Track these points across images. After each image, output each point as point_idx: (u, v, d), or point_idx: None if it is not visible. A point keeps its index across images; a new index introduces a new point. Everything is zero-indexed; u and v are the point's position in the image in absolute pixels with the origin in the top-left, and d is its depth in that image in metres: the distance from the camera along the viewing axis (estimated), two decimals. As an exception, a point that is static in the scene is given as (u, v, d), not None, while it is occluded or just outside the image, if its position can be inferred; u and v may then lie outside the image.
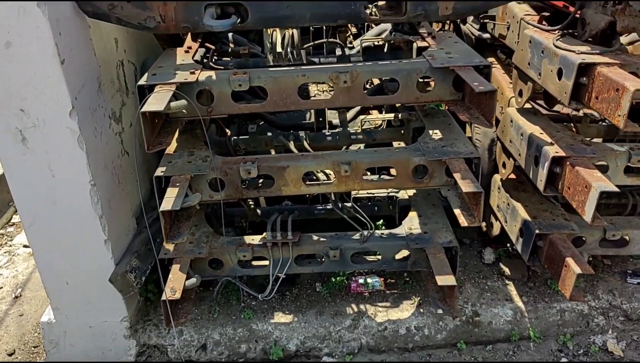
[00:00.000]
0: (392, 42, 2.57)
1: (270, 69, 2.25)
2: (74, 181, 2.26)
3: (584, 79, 2.06)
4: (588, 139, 2.44)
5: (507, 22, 2.84)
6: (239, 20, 2.16)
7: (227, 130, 2.81)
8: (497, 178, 2.90)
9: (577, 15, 2.30)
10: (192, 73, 2.20)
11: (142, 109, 1.90)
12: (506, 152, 2.77)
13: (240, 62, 2.60)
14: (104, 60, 2.54)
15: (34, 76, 2.04)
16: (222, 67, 2.49)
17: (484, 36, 3.20)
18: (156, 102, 1.95)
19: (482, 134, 2.91)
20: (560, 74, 2.15)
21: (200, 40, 2.66)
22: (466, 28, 3.33)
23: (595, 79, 2.00)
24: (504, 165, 2.84)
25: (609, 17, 2.13)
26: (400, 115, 2.76)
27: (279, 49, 2.53)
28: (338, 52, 2.62)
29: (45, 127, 2.14)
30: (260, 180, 2.41)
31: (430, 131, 2.47)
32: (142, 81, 2.12)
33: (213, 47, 2.63)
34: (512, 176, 2.89)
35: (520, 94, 2.63)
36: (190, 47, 2.57)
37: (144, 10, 2.17)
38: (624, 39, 2.49)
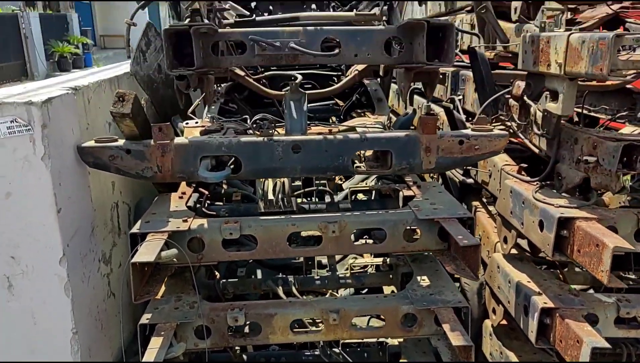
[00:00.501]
0: (379, 190, 2.68)
1: (261, 217, 2.31)
2: (55, 329, 2.21)
3: (565, 232, 2.12)
4: (575, 287, 2.46)
5: (489, 170, 2.99)
6: (232, 171, 2.27)
7: (217, 272, 2.81)
8: (488, 323, 2.86)
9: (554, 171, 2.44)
10: (185, 221, 2.25)
11: (133, 260, 1.92)
12: (495, 297, 2.76)
13: (232, 208, 2.68)
14: (100, 203, 2.61)
15: (29, 225, 2.09)
16: (215, 213, 2.56)
17: (468, 181, 3.34)
18: (147, 252, 1.98)
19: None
20: (541, 225, 2.23)
21: (194, 185, 2.76)
22: (450, 173, 3.49)
23: (575, 233, 2.07)
24: (494, 311, 2.82)
25: (583, 173, 2.25)
26: (388, 260, 2.80)
27: (270, 196, 2.61)
28: (327, 199, 2.71)
29: (33, 274, 2.14)
30: (247, 327, 2.37)
31: (419, 277, 2.48)
32: (135, 229, 2.17)
33: (206, 192, 2.72)
34: (504, 321, 2.86)
35: (505, 240, 2.69)
36: (184, 193, 2.66)
37: (143, 161, 2.28)
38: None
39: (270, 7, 4.43)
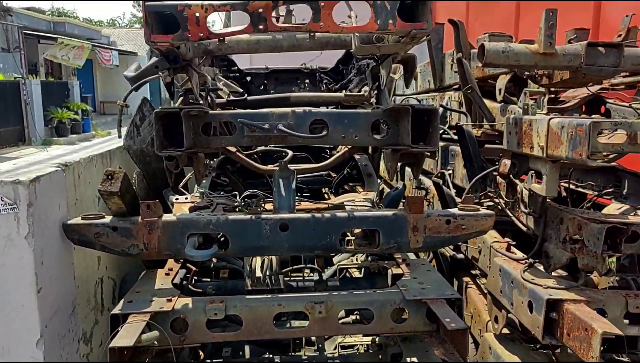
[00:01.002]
0: (368, 267, 2.66)
1: (247, 297, 2.28)
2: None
3: (554, 314, 2.10)
4: (568, 370, 2.40)
5: (478, 246, 2.98)
6: (219, 249, 2.25)
7: (201, 352, 2.73)
8: (481, 407, 2.77)
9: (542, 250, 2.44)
10: (169, 300, 2.21)
11: (111, 344, 1.87)
12: (488, 380, 2.68)
13: (220, 285, 2.64)
14: (84, 279, 2.57)
15: (7, 305, 2.04)
16: (201, 291, 2.52)
17: (458, 256, 3.33)
18: (127, 335, 1.93)
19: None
20: (530, 307, 2.20)
21: (181, 261, 2.74)
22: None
23: (564, 315, 2.04)
24: (487, 394, 2.73)
25: (569, 254, 2.25)
26: (377, 339, 2.73)
27: (258, 272, 2.59)
28: (316, 276, 2.69)
29: (8, 357, 2.07)
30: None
31: (409, 359, 2.42)
32: (117, 310, 2.13)
33: (194, 268, 2.69)
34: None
35: (496, 320, 2.65)
36: (171, 269, 2.63)
37: (129, 238, 2.27)
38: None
39: (265, 82, 4.57)
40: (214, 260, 3.04)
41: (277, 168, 2.43)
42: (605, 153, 2.52)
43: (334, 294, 2.27)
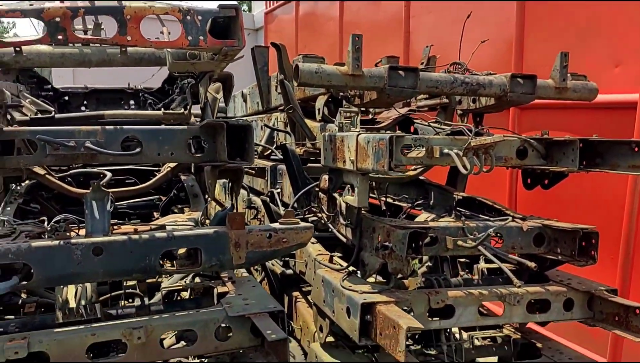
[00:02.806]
0: (192, 288, 2.60)
1: (55, 330, 2.08)
2: None
3: (369, 317, 2.25)
4: (386, 369, 2.58)
5: (305, 260, 3.09)
6: (21, 280, 2.03)
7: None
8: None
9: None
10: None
11: None
12: (316, 388, 2.77)
13: (25, 321, 2.37)
14: None
15: None
16: (1, 330, 2.24)
17: (287, 272, 3.42)
18: None
19: (293, 369, 2.92)
20: (348, 312, 2.33)
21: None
22: (270, 264, 3.54)
23: (377, 316, 2.20)
24: (316, 402, 2.82)
25: (381, 259, 2.44)
26: (205, 360, 2.67)
27: (71, 304, 2.38)
28: (137, 302, 2.55)
29: None
30: None
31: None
32: None
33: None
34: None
35: (322, 329, 2.76)
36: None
37: None
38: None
39: (85, 102, 4.29)
40: (24, 295, 2.75)
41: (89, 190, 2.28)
42: (411, 167, 2.81)
43: (154, 318, 2.17)
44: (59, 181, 2.70)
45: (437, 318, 2.45)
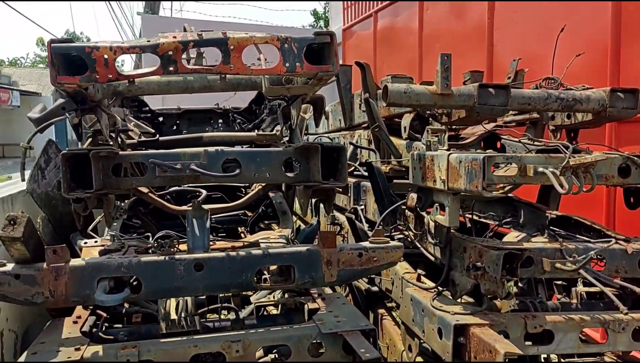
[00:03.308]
0: (284, 304, 2.67)
1: (162, 340, 2.21)
2: None
3: (462, 339, 2.22)
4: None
5: (391, 278, 3.10)
6: (132, 293, 2.19)
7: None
8: None
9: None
10: (77, 350, 2.10)
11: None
12: (405, 408, 2.76)
13: (132, 330, 2.54)
14: (-19, 334, 2.39)
15: None
16: (113, 338, 2.41)
17: (373, 289, 3.43)
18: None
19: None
20: (440, 333, 2.31)
21: (91, 307, 2.62)
22: (356, 282, 3.57)
23: (471, 339, 2.16)
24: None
25: (473, 280, 2.40)
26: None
27: (173, 315, 2.53)
28: (232, 316, 2.66)
29: None
30: None
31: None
32: (21, 360, 2.00)
33: (104, 314, 2.58)
34: None
35: (410, 348, 2.74)
36: (79, 317, 2.50)
37: (33, 286, 2.15)
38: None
39: (177, 122, 4.54)
40: (126, 305, 2.94)
41: (190, 208, 2.42)
42: (500, 185, 2.75)
43: (250, 332, 2.26)
44: (160, 199, 2.88)
45: (533, 344, 2.37)
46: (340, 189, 2.53)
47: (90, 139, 2.67)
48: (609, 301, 2.49)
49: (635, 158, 2.41)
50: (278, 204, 3.35)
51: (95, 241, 2.64)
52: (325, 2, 24.01)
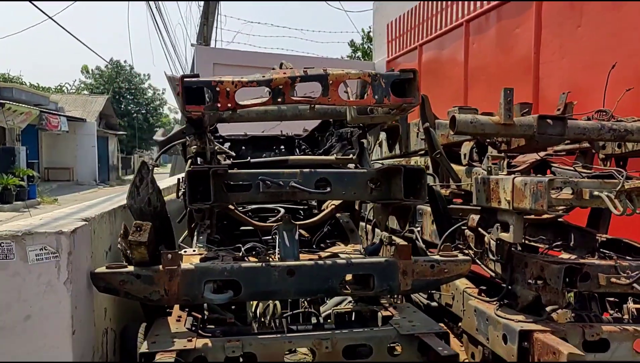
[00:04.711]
0: (360, 311, 2.96)
1: (260, 336, 2.53)
2: None
3: (526, 343, 2.47)
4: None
5: (452, 293, 3.35)
6: (234, 294, 2.52)
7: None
8: None
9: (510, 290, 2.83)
10: (190, 341, 2.43)
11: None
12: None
13: (226, 330, 2.86)
14: (96, 328, 2.74)
15: (45, 346, 2.22)
16: (211, 335, 2.73)
17: (432, 304, 3.68)
18: (161, 369, 2.14)
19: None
20: (505, 339, 2.56)
21: (187, 310, 2.95)
22: (415, 298, 3.83)
23: (534, 343, 2.41)
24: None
25: (534, 292, 2.65)
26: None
27: (263, 318, 2.84)
28: (314, 320, 2.96)
29: (41, 397, 2.22)
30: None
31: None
32: (144, 349, 2.33)
33: (200, 316, 2.91)
34: None
35: (473, 356, 2.99)
36: (180, 317, 2.84)
37: (151, 285, 2.50)
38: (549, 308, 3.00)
39: (243, 147, 4.92)
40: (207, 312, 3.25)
41: (275, 224, 2.75)
42: (557, 207, 3.00)
43: (336, 332, 2.56)
44: (244, 216, 3.22)
45: (589, 352, 2.59)
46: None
47: (190, 160, 3.04)
48: (661, 317, 2.71)
49: (685, 184, 2.64)
50: (345, 223, 3.66)
51: (194, 251, 2.99)
52: (363, 34, 24.60)
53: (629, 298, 2.97)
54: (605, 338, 2.53)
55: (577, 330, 2.55)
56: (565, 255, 3.38)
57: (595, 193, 2.52)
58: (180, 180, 4.10)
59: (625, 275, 2.57)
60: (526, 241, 3.84)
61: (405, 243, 4.11)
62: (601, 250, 3.32)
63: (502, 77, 6.45)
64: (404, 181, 2.55)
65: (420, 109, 3.97)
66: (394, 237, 4.47)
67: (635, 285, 2.50)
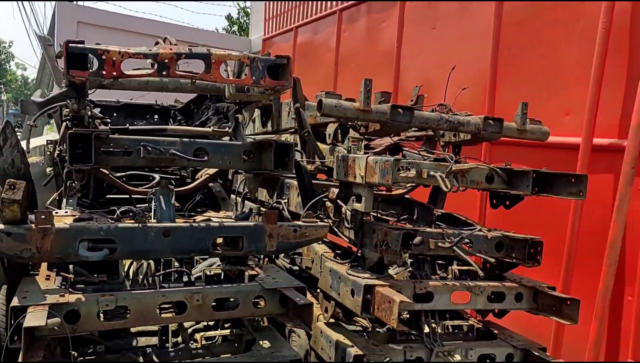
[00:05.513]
0: (228, 271, 3.24)
1: (134, 291, 2.71)
2: None
3: (369, 296, 2.93)
4: (377, 343, 3.26)
5: (312, 257, 3.77)
6: (109, 252, 2.66)
7: (74, 352, 3.01)
8: (313, 381, 3.49)
9: (359, 254, 3.30)
10: (62, 296, 2.54)
11: (25, 325, 2.18)
12: (319, 358, 3.43)
13: (98, 288, 2.98)
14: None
15: None
16: (82, 292, 2.84)
17: (294, 268, 4.08)
18: (35, 319, 2.25)
19: (298, 346, 3.57)
20: (352, 293, 3.02)
21: (55, 270, 3.00)
22: (280, 262, 4.21)
23: (375, 295, 2.88)
24: (318, 370, 3.47)
25: (379, 254, 3.14)
26: (234, 330, 3.31)
27: (135, 277, 3.00)
28: (185, 279, 3.18)
29: None
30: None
31: (261, 342, 3.05)
32: (15, 303, 2.40)
33: (69, 276, 2.99)
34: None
35: (326, 310, 3.43)
36: (49, 276, 2.90)
37: (22, 243, 2.55)
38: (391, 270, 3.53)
39: (114, 114, 4.91)
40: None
41: (151, 190, 2.92)
42: (402, 183, 3.52)
43: (207, 287, 2.82)
44: (118, 180, 3.33)
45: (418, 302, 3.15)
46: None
47: (64, 124, 3.06)
48: (474, 277, 3.36)
49: (498, 170, 3.29)
50: (217, 192, 3.90)
51: (66, 212, 3.04)
52: (239, 8, 24.40)
53: (454, 262, 3.61)
54: (430, 292, 3.09)
55: (410, 284, 3.07)
56: (409, 226, 3.96)
57: (432, 173, 3.04)
58: (48, 143, 4.05)
59: (449, 240, 3.14)
60: (379, 215, 4.40)
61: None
62: (436, 222, 3.95)
63: (368, 66, 7.03)
64: (275, 155, 2.86)
65: (293, 91, 4.31)
66: (262, 208, 4.80)
67: (455, 248, 3.08)
